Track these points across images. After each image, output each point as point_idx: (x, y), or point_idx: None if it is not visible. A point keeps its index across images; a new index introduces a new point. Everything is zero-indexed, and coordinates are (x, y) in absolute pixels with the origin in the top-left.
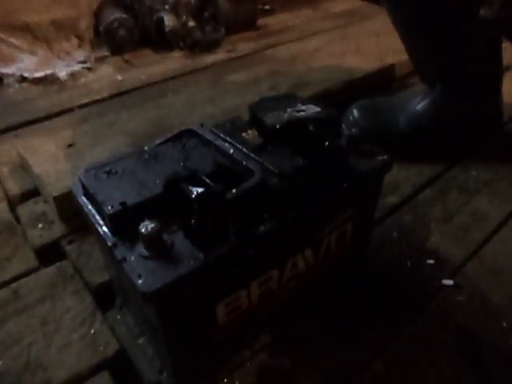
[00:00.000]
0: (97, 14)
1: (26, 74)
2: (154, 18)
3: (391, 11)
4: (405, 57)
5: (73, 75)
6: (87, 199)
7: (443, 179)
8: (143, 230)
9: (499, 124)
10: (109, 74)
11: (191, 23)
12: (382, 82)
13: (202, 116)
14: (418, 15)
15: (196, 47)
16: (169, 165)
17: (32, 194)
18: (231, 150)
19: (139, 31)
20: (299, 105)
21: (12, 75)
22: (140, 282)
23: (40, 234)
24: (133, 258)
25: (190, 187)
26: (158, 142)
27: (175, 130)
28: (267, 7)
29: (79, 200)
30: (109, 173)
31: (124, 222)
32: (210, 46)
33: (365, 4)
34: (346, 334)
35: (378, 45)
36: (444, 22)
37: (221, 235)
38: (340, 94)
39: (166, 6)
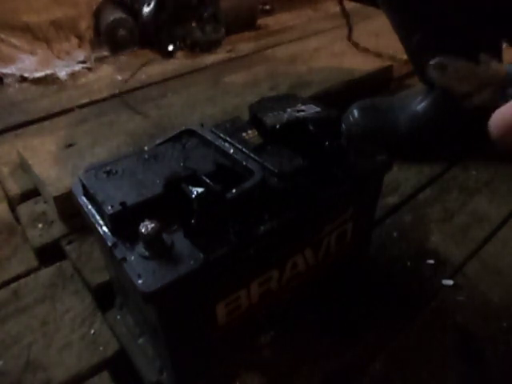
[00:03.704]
0: (97, 14)
1: (26, 74)
2: None
3: (389, 13)
4: (404, 57)
5: (73, 75)
6: (87, 199)
7: (443, 179)
8: (143, 230)
9: None
10: (109, 74)
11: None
12: (381, 82)
13: (202, 116)
14: (416, 17)
15: (196, 47)
16: (169, 165)
17: (32, 193)
18: (231, 150)
19: (139, 31)
20: (299, 105)
21: (12, 75)
22: (140, 281)
23: (40, 234)
24: (133, 257)
25: (190, 187)
26: (158, 142)
27: (175, 130)
28: (267, 7)
29: (79, 200)
30: (109, 173)
31: (124, 222)
32: (210, 46)
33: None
34: (345, 334)
35: (377, 45)
36: (443, 24)
37: (221, 235)
38: (340, 94)
39: None
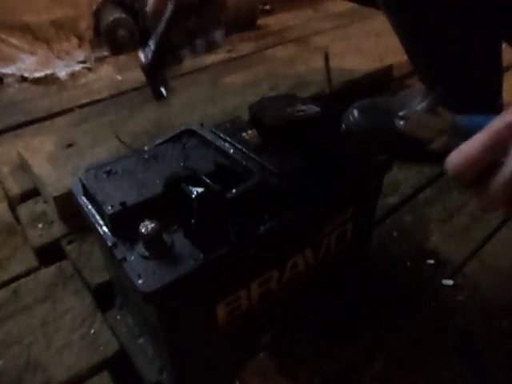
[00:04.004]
0: (97, 14)
1: (26, 74)
2: None
3: (389, 14)
4: (404, 57)
5: (73, 75)
6: (87, 199)
7: (443, 179)
8: (143, 230)
9: None
10: (109, 74)
11: None
12: (381, 81)
13: (202, 116)
14: (416, 18)
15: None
16: (169, 165)
17: (32, 193)
18: (231, 150)
19: (139, 31)
20: (299, 105)
21: (12, 75)
22: (140, 281)
23: (40, 234)
24: (133, 257)
25: (190, 187)
26: (158, 142)
27: (175, 130)
28: (267, 7)
29: (79, 200)
30: (109, 173)
31: (124, 222)
32: (210, 46)
33: None
34: (345, 334)
35: (377, 45)
36: (442, 24)
37: (221, 235)
38: (340, 94)
39: None
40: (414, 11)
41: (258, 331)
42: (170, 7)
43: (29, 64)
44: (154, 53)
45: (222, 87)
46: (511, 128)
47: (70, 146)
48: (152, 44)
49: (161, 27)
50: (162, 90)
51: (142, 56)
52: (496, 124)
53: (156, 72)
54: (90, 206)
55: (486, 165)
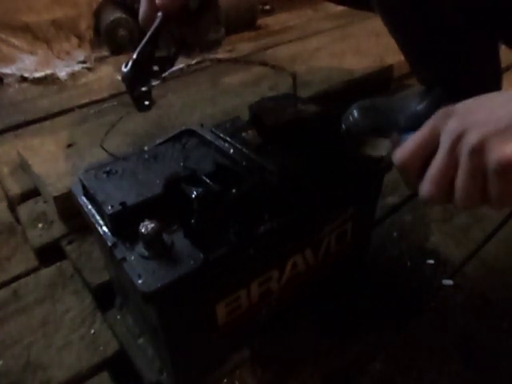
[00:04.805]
0: (97, 14)
1: (26, 74)
2: None
3: (383, 16)
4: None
5: (73, 75)
6: (87, 199)
7: None
8: (143, 230)
9: None
10: (109, 74)
11: None
12: (381, 81)
13: (202, 116)
14: (414, 19)
15: (196, 47)
16: (169, 165)
17: (32, 193)
18: (231, 150)
19: (139, 31)
20: (299, 105)
21: (12, 75)
22: (140, 282)
23: (40, 234)
24: (133, 257)
25: (190, 187)
26: (158, 142)
27: (175, 130)
28: (267, 7)
29: (79, 200)
30: (109, 173)
31: (124, 222)
32: (210, 46)
33: None
34: (346, 334)
35: (377, 45)
36: (441, 24)
37: (221, 235)
38: (340, 94)
39: None
40: (411, 12)
41: (258, 331)
42: (158, 18)
43: (29, 64)
44: (133, 63)
45: (221, 87)
46: (442, 118)
47: (69, 146)
48: (134, 54)
49: (145, 38)
50: (146, 102)
51: (123, 66)
52: (432, 117)
53: (136, 82)
54: (89, 206)
55: (427, 155)
